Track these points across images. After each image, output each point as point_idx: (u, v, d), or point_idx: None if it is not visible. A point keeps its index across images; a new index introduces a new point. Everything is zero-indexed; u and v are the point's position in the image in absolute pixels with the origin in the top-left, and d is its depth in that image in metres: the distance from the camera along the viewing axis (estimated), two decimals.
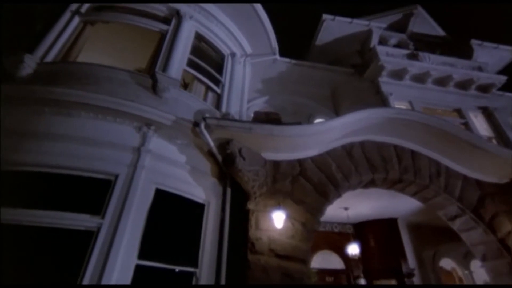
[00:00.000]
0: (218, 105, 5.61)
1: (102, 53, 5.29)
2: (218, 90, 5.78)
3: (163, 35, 5.36)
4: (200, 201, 4.30)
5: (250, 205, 4.28)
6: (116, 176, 3.54)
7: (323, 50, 9.05)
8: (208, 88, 5.65)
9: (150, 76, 4.51)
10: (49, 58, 4.45)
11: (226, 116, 5.19)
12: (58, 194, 3.33)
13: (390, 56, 8.18)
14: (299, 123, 4.46)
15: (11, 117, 3.56)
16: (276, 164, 4.78)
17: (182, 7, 5.67)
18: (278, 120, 4.99)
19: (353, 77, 8.54)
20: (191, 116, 4.53)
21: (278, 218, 3.99)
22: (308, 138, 4.71)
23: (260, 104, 8.39)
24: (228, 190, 4.55)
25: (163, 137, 4.14)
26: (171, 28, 5.39)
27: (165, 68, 4.76)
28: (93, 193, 3.46)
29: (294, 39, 7.79)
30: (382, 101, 7.80)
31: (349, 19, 8.42)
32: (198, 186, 4.31)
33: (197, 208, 4.27)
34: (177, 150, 4.25)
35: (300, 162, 4.89)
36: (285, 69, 8.25)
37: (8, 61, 4.14)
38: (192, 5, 5.83)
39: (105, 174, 3.54)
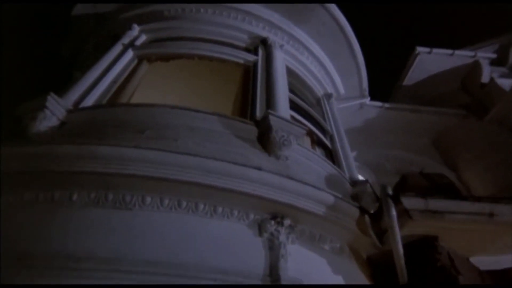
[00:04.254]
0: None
1: (160, 95, 3.58)
2: (328, 144, 3.77)
3: (247, 68, 3.66)
4: None
5: None
6: None
7: (411, 90, 7.23)
8: (314, 141, 3.66)
9: (254, 122, 2.59)
10: (88, 102, 2.69)
11: (363, 186, 3.04)
12: None
13: None
14: None
15: (11, 222, 1.57)
16: (497, 278, 2.39)
17: (269, 35, 4.09)
18: (453, 186, 2.80)
19: (467, 121, 6.48)
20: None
21: None
22: None
23: None
24: None
25: (302, 240, 1.95)
26: (260, 58, 3.70)
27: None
28: None
29: (371, 79, 6.06)
30: None
31: (449, 51, 6.72)
32: None
33: None
34: (327, 266, 1.99)
35: None
36: (374, 116, 6.40)
37: (22, 110, 2.39)
38: (279, 33, 4.25)
39: None
